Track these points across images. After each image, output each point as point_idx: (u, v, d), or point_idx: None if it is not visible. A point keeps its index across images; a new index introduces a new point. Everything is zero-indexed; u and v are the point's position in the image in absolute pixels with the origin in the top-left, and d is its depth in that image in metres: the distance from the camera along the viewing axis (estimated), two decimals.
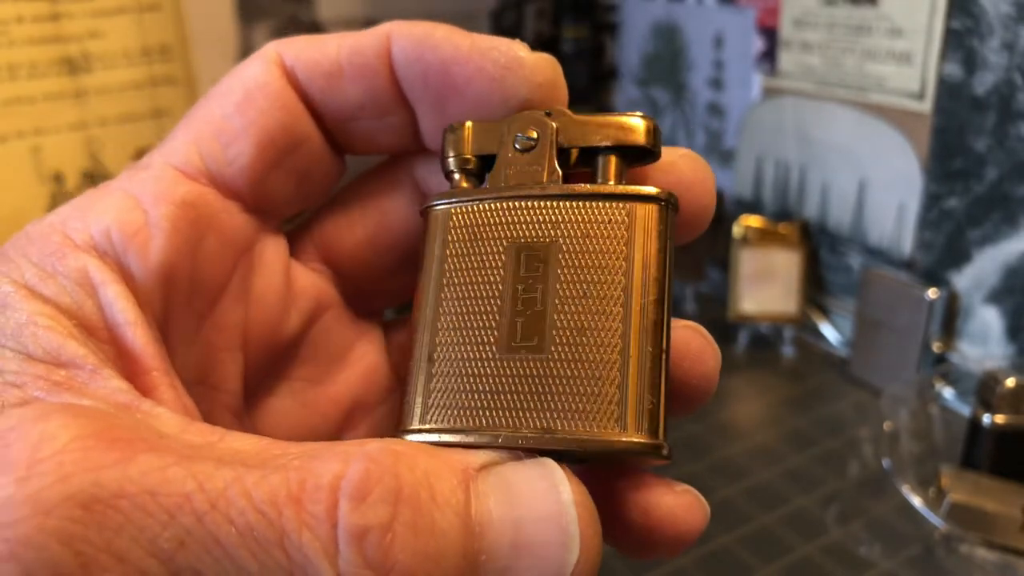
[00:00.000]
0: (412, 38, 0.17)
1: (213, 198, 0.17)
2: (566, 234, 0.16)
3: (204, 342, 0.18)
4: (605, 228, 0.15)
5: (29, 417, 0.12)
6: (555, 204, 0.16)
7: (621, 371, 0.15)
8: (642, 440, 0.15)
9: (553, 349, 0.15)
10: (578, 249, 0.15)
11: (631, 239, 0.15)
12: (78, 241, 0.15)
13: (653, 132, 0.16)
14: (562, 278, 0.15)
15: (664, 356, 0.15)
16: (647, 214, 0.15)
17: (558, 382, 0.15)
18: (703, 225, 0.17)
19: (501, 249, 0.16)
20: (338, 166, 0.19)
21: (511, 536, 0.13)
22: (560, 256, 0.16)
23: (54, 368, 0.14)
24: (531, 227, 0.16)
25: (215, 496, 0.12)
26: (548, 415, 0.15)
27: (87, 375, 0.14)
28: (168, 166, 0.17)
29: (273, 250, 0.19)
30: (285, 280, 0.19)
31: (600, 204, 0.16)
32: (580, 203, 0.16)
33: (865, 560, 0.49)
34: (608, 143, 0.16)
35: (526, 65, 0.17)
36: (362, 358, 0.21)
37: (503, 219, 0.16)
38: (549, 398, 0.15)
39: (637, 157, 0.17)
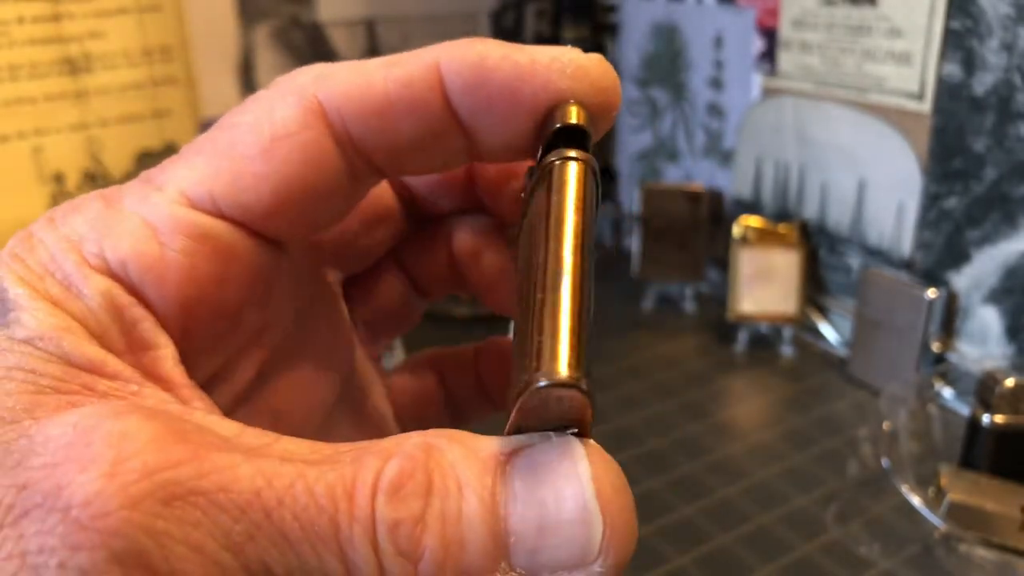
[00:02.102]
0: (467, 64, 0.16)
1: (227, 230, 0.17)
2: (530, 199, 0.16)
3: (221, 368, 0.18)
4: (546, 186, 0.16)
5: (107, 416, 0.13)
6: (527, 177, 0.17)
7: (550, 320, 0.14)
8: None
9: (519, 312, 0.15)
10: (537, 221, 0.16)
11: (547, 200, 0.16)
12: (94, 264, 0.15)
13: (575, 114, 0.17)
14: (527, 228, 0.16)
15: (584, 293, 0.15)
16: (568, 171, 0.16)
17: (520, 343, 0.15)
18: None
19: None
20: (360, 197, 0.19)
21: (536, 517, 0.13)
22: (531, 213, 0.16)
23: (99, 378, 0.14)
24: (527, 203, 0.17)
25: (281, 492, 0.13)
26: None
27: (134, 388, 0.14)
28: (183, 194, 0.16)
29: (288, 276, 0.19)
30: (313, 284, 0.20)
31: (540, 168, 0.16)
32: (530, 171, 0.17)
33: (864, 559, 0.49)
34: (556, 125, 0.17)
35: (591, 72, 0.16)
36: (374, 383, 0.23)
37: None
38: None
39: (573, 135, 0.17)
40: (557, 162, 0.16)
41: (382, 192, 0.22)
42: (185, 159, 0.17)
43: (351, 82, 0.16)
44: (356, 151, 0.17)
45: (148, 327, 0.16)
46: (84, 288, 0.15)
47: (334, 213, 0.19)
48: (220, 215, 0.17)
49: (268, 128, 0.16)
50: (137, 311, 0.15)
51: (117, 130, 0.73)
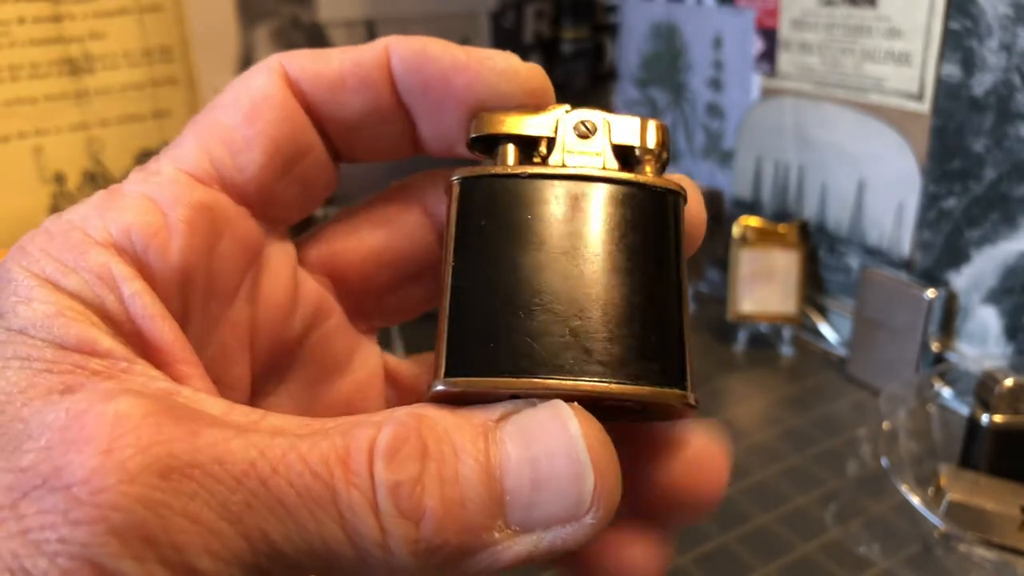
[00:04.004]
0: (411, 50, 0.18)
1: (226, 202, 0.18)
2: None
3: (219, 343, 0.18)
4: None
5: (99, 398, 0.13)
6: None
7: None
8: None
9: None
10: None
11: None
12: (98, 239, 0.16)
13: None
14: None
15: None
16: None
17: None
18: (697, 244, 0.19)
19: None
20: (336, 174, 0.20)
21: (529, 475, 0.14)
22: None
23: (90, 357, 0.14)
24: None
25: (275, 462, 0.13)
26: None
27: (124, 365, 0.15)
28: (180, 171, 0.17)
29: (281, 254, 0.20)
30: (292, 284, 0.20)
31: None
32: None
33: (864, 559, 0.49)
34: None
35: (521, 73, 0.18)
36: (360, 368, 0.22)
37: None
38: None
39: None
40: (453, 179, 0.18)
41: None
42: (176, 144, 0.18)
43: (311, 59, 0.18)
44: (316, 123, 0.19)
45: (147, 300, 0.16)
46: (81, 262, 0.15)
47: (322, 181, 0.19)
48: (221, 186, 0.18)
49: (246, 96, 0.18)
50: (135, 284, 0.16)
51: (117, 130, 0.73)
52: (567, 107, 0.18)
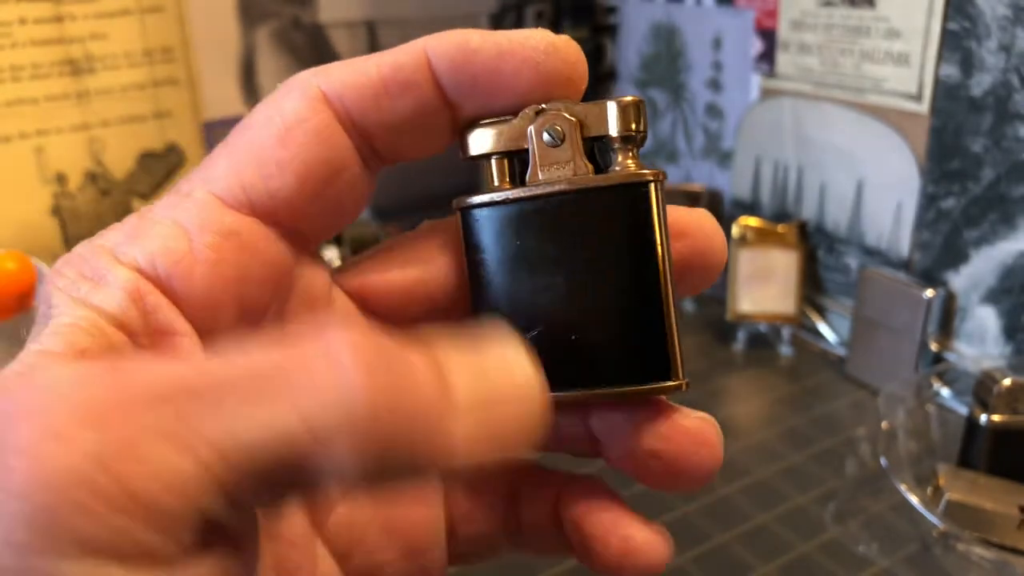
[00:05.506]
0: (453, 45, 0.18)
1: (255, 227, 0.18)
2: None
3: None
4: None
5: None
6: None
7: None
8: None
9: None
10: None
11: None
12: (125, 261, 0.16)
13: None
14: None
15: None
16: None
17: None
18: (714, 278, 0.20)
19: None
20: (370, 190, 0.20)
21: (476, 383, 0.14)
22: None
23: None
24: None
25: (211, 369, 0.14)
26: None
27: None
28: (211, 195, 0.18)
29: (313, 274, 0.20)
30: (325, 302, 0.20)
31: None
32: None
33: (863, 558, 0.49)
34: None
35: (561, 48, 0.18)
36: None
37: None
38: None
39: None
40: (455, 208, 0.19)
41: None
42: (208, 165, 0.18)
43: (347, 71, 0.18)
44: (359, 135, 0.18)
45: (168, 314, 0.16)
46: (108, 277, 0.16)
47: (355, 198, 0.19)
48: (251, 210, 0.18)
49: (280, 119, 0.18)
50: (158, 299, 0.16)
51: (119, 131, 0.73)
52: (540, 107, 0.18)
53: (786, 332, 0.74)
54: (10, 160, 0.69)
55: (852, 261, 0.72)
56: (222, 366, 0.13)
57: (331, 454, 0.13)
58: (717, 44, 0.80)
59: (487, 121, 0.19)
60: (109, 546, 0.12)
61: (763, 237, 0.74)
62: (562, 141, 0.18)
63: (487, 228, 0.19)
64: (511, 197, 0.19)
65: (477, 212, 0.19)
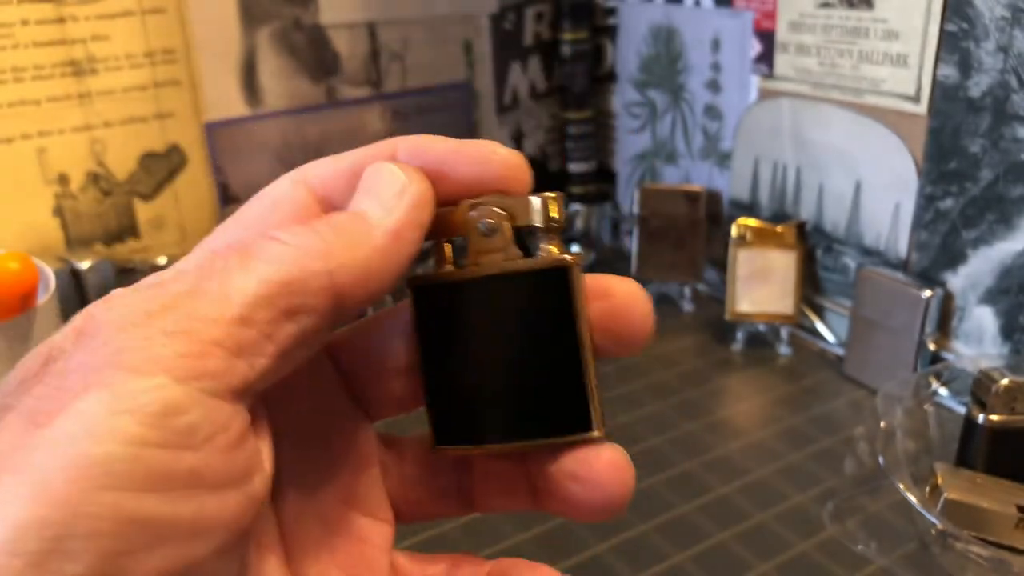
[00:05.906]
0: (415, 142, 0.22)
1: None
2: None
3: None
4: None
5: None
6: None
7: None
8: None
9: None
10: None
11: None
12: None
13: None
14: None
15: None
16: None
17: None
18: (642, 345, 0.22)
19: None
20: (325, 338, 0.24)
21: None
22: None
23: None
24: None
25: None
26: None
27: None
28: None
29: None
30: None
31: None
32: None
33: (861, 557, 0.50)
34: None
35: (500, 153, 0.22)
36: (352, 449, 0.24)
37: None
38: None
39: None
40: (407, 284, 0.23)
41: None
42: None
43: (325, 163, 0.22)
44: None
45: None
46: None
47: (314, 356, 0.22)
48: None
49: (269, 199, 0.21)
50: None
51: (120, 132, 0.73)
52: (472, 201, 0.21)
53: (784, 332, 0.75)
54: (12, 161, 0.69)
55: (850, 261, 0.72)
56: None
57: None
58: (716, 45, 0.80)
59: (444, 207, 0.22)
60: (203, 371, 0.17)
61: (762, 237, 0.74)
62: (495, 232, 0.21)
63: (434, 303, 0.22)
64: (453, 280, 0.22)
65: (425, 289, 0.22)
